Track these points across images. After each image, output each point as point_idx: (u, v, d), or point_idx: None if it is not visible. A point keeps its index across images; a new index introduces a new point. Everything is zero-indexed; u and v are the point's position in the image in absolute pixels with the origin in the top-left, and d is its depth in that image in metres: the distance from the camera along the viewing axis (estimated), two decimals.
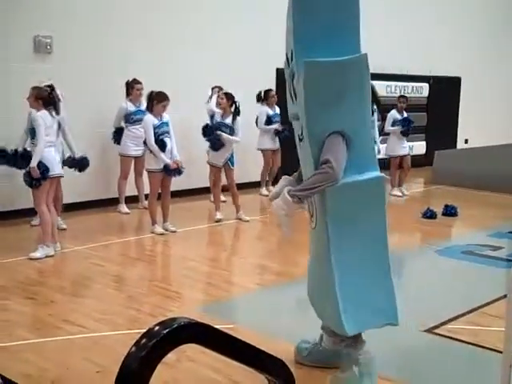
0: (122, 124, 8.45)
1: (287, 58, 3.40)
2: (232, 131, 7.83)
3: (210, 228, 7.91)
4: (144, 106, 8.32)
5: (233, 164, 7.98)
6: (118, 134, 8.48)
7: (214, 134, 7.85)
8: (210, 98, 8.89)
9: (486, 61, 14.76)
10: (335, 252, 3.30)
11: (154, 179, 7.26)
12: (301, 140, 3.41)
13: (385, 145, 10.48)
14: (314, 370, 3.76)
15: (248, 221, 8.02)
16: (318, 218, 3.40)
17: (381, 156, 10.37)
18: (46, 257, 6.17)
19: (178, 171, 7.26)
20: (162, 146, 7.13)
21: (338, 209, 3.31)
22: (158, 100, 7.15)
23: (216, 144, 7.86)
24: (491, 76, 14.90)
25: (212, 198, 8.52)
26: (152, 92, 7.29)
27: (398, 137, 10.20)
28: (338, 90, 3.22)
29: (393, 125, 10.15)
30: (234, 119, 7.85)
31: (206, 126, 8.35)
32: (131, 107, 8.37)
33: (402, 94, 11.61)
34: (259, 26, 9.98)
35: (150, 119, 7.16)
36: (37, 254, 6.13)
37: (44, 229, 6.23)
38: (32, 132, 6.23)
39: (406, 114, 10.28)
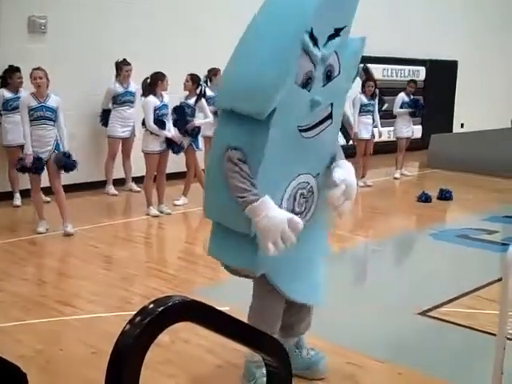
0: (110, 105, 8.39)
1: (314, 39, 2.93)
2: (194, 112, 7.76)
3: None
4: (132, 86, 8.29)
5: (197, 147, 7.90)
6: (104, 116, 8.42)
7: (183, 114, 7.71)
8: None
9: (483, 45, 14.69)
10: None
11: (150, 161, 7.23)
12: (328, 125, 3.19)
13: (387, 128, 10.55)
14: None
15: None
16: (316, 209, 3.28)
17: (383, 139, 10.44)
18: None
19: (181, 147, 7.32)
20: (161, 126, 7.13)
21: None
22: (161, 79, 7.19)
23: (181, 126, 7.71)
24: (488, 60, 14.84)
25: None
26: (148, 78, 7.25)
27: (403, 119, 10.27)
28: None
29: (401, 107, 10.21)
30: (197, 100, 7.76)
31: (177, 106, 8.13)
32: (119, 88, 8.31)
33: (406, 77, 11.72)
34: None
35: (151, 101, 7.14)
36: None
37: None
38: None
39: (415, 98, 10.40)
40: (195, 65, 8.33)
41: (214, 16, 9.58)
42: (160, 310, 1.56)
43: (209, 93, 8.90)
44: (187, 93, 7.77)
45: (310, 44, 2.90)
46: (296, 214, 3.11)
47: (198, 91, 7.77)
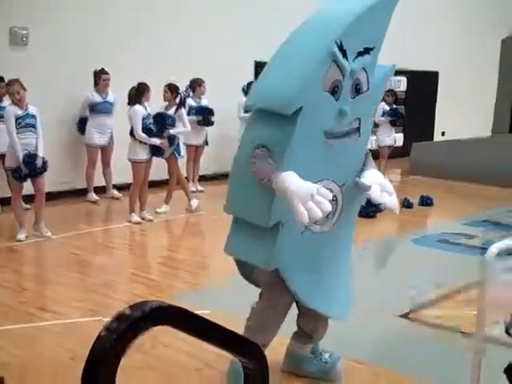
0: (87, 113, 8.35)
1: (343, 51, 3.08)
2: (174, 122, 7.75)
3: (187, 217, 7.87)
4: (110, 96, 8.26)
5: (179, 154, 7.90)
6: (81, 124, 8.37)
7: (163, 122, 7.71)
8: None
9: (463, 56, 14.85)
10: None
11: (138, 169, 7.22)
12: (355, 138, 3.34)
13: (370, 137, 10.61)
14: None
15: (195, 210, 7.94)
16: (342, 214, 3.34)
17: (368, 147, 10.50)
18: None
19: (161, 153, 7.41)
20: (149, 134, 7.16)
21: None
22: (147, 89, 7.23)
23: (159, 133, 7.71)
24: (468, 71, 14.99)
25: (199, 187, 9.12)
26: (134, 87, 7.27)
27: (385, 127, 10.33)
28: None
29: (382, 116, 10.28)
30: (176, 110, 7.75)
31: (157, 114, 7.98)
32: (97, 98, 8.27)
33: (393, 88, 11.76)
34: (238, 18, 9.94)
35: (139, 110, 7.15)
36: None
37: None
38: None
39: (394, 106, 10.44)
40: (174, 75, 8.34)
41: (195, 26, 9.59)
42: (136, 315, 1.55)
43: (191, 103, 8.91)
44: (166, 103, 7.78)
45: (340, 55, 3.06)
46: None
47: (177, 100, 7.78)
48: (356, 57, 3.15)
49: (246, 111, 3.49)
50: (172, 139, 7.60)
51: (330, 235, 3.34)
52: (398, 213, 3.49)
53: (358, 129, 3.32)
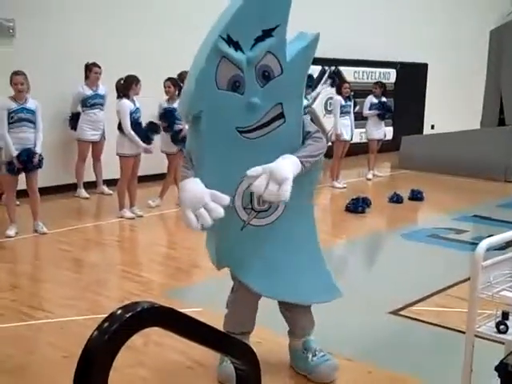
0: (79, 109, 8.31)
1: (234, 43, 3.03)
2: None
3: (178, 212, 7.86)
4: (101, 89, 8.23)
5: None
6: (73, 120, 8.33)
7: (172, 119, 7.72)
8: None
9: (453, 47, 14.87)
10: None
11: (126, 164, 7.19)
12: (279, 124, 3.21)
13: (359, 130, 10.65)
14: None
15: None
16: (289, 203, 3.22)
17: (355, 140, 10.53)
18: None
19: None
20: (139, 129, 7.13)
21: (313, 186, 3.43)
22: (135, 82, 7.16)
23: (176, 136, 7.76)
24: (457, 63, 15.02)
25: None
26: (121, 78, 7.21)
27: (374, 121, 10.33)
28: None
29: (370, 109, 10.28)
30: None
31: (165, 110, 8.08)
32: (88, 91, 8.23)
33: (376, 80, 11.77)
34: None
35: (126, 104, 7.09)
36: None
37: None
38: None
39: (384, 99, 10.43)
40: (167, 68, 8.30)
41: (188, 19, 9.55)
42: (128, 315, 1.55)
43: None
44: (165, 97, 7.77)
45: (230, 50, 3.01)
46: (259, 211, 3.26)
47: (178, 94, 7.78)
48: (254, 44, 3.06)
49: None
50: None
51: (280, 226, 3.30)
52: (283, 200, 3.09)
53: (282, 114, 3.20)
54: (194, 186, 3.07)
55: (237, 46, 3.02)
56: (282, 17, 3.09)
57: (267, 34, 3.06)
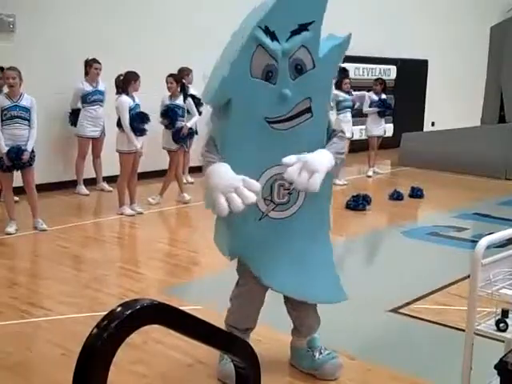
0: (79, 105, 8.30)
1: (271, 33, 3.04)
2: (184, 112, 7.79)
3: (179, 209, 7.87)
4: (101, 85, 8.23)
5: (186, 146, 8.04)
6: (73, 116, 8.32)
7: (175, 116, 7.73)
8: None
9: (453, 44, 14.86)
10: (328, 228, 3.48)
11: (126, 160, 7.18)
12: (306, 119, 3.22)
13: (359, 127, 10.65)
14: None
15: (188, 201, 7.95)
16: (308, 200, 3.27)
17: (354, 138, 10.53)
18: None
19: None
20: (140, 121, 7.12)
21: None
22: (135, 79, 7.14)
23: (177, 134, 7.76)
24: (458, 59, 15.01)
25: (189, 179, 9.03)
26: (121, 75, 7.21)
27: (374, 118, 10.32)
28: None
29: (370, 106, 10.27)
30: (185, 99, 7.81)
31: (167, 107, 8.04)
32: (88, 87, 8.22)
33: (377, 76, 11.77)
34: (228, 9, 9.88)
35: (126, 101, 7.08)
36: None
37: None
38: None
39: (384, 96, 10.40)
40: (162, 64, 8.30)
41: (187, 16, 9.54)
42: (127, 313, 1.55)
43: None
44: (167, 94, 7.78)
45: (267, 39, 3.02)
46: (277, 204, 3.25)
47: (180, 90, 7.80)
48: (290, 36, 3.08)
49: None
50: (191, 133, 7.79)
51: (297, 222, 3.31)
52: (315, 190, 3.10)
53: (310, 108, 3.22)
54: (225, 170, 3.03)
55: (273, 37, 3.04)
56: (318, 13, 3.15)
57: (303, 28, 3.10)
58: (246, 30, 3.06)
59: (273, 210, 3.27)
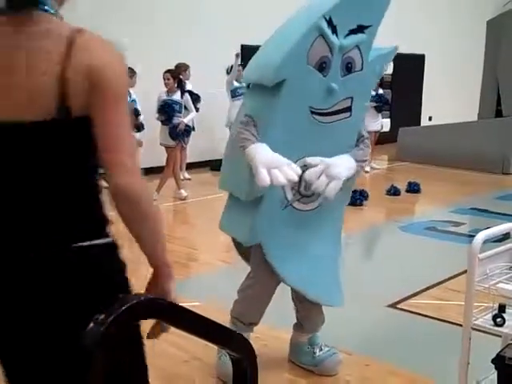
0: None
1: (333, 27, 3.05)
2: (181, 108, 7.79)
3: (175, 205, 7.85)
4: None
5: (185, 142, 8.07)
6: None
7: (172, 112, 7.72)
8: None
9: (450, 38, 14.86)
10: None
11: None
12: (345, 117, 3.24)
13: None
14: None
15: (185, 198, 7.94)
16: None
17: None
18: None
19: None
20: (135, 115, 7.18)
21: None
22: (130, 75, 7.13)
23: (173, 130, 7.76)
24: (454, 54, 15.01)
25: (186, 175, 9.08)
26: None
27: (371, 113, 10.32)
28: None
29: None
30: (182, 95, 7.81)
31: (164, 103, 8.06)
32: None
33: None
34: (224, 2, 9.87)
35: None
36: None
37: None
38: None
39: (381, 91, 10.38)
40: (160, 60, 8.29)
41: (180, 11, 9.53)
42: (124, 308, 1.55)
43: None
44: (164, 90, 7.77)
45: (328, 30, 3.04)
46: (302, 196, 3.25)
47: (177, 86, 7.81)
48: (348, 34, 3.11)
49: (247, 86, 3.48)
50: (188, 129, 7.79)
51: (316, 218, 3.33)
52: (329, 199, 3.17)
53: (350, 108, 3.25)
54: (268, 150, 3.02)
55: (334, 30, 3.06)
56: (377, 18, 3.21)
57: (361, 29, 3.15)
58: (310, 18, 3.06)
59: (297, 200, 3.27)
